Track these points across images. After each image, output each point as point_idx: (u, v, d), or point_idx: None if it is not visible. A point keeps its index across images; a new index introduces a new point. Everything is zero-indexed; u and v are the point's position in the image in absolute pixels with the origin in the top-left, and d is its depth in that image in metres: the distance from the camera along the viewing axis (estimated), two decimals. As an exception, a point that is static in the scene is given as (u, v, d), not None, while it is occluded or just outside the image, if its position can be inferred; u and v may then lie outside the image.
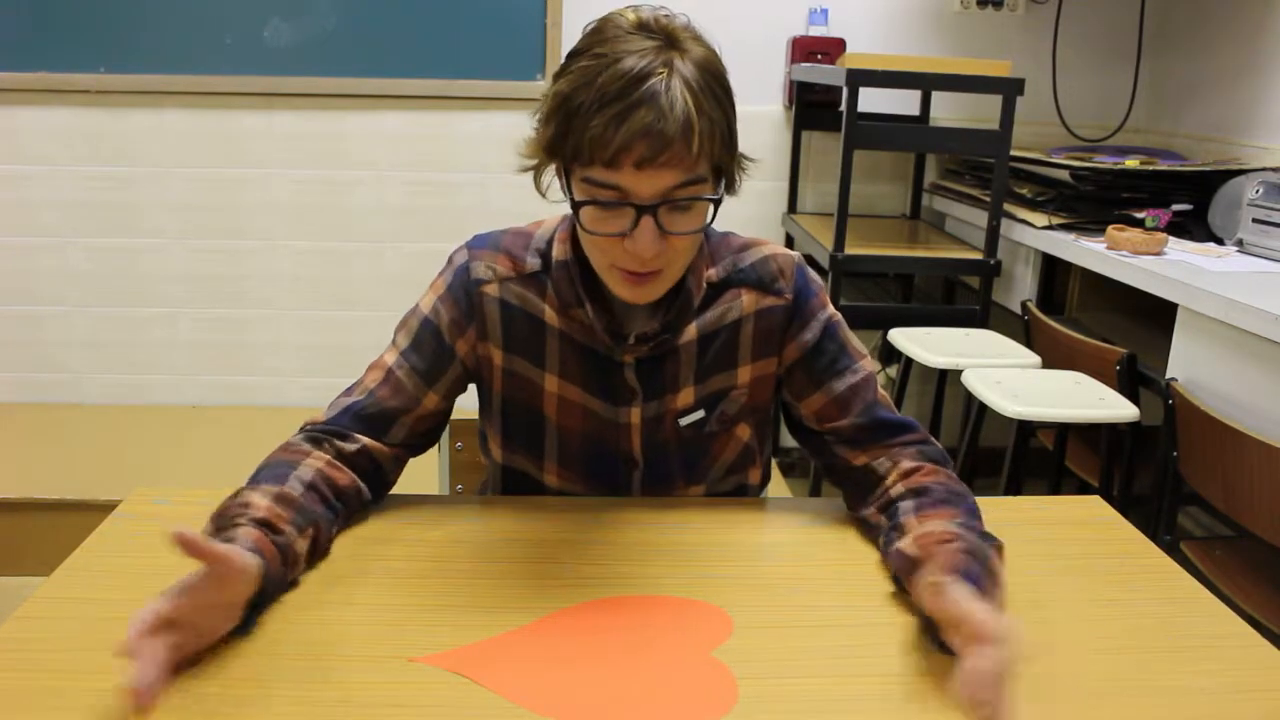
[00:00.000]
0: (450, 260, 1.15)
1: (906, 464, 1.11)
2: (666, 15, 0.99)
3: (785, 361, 1.16)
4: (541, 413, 1.16)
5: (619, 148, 0.93)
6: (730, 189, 1.06)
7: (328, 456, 1.08)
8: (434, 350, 1.13)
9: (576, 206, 0.99)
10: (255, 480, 1.02)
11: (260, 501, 0.96)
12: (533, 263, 1.13)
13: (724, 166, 1.01)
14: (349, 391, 1.13)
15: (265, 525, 0.93)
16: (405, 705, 0.80)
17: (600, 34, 0.98)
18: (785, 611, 0.95)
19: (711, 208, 1.01)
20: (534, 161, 1.03)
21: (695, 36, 0.99)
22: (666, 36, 0.97)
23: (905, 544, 0.98)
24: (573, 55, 1.00)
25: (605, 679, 0.84)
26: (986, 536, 0.98)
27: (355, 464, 1.09)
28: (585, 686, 0.83)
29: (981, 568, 0.90)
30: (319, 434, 1.10)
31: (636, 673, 0.85)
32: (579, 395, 1.14)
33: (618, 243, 0.99)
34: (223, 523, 0.93)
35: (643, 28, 0.97)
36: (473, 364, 1.15)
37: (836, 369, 1.14)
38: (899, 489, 1.08)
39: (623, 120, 0.92)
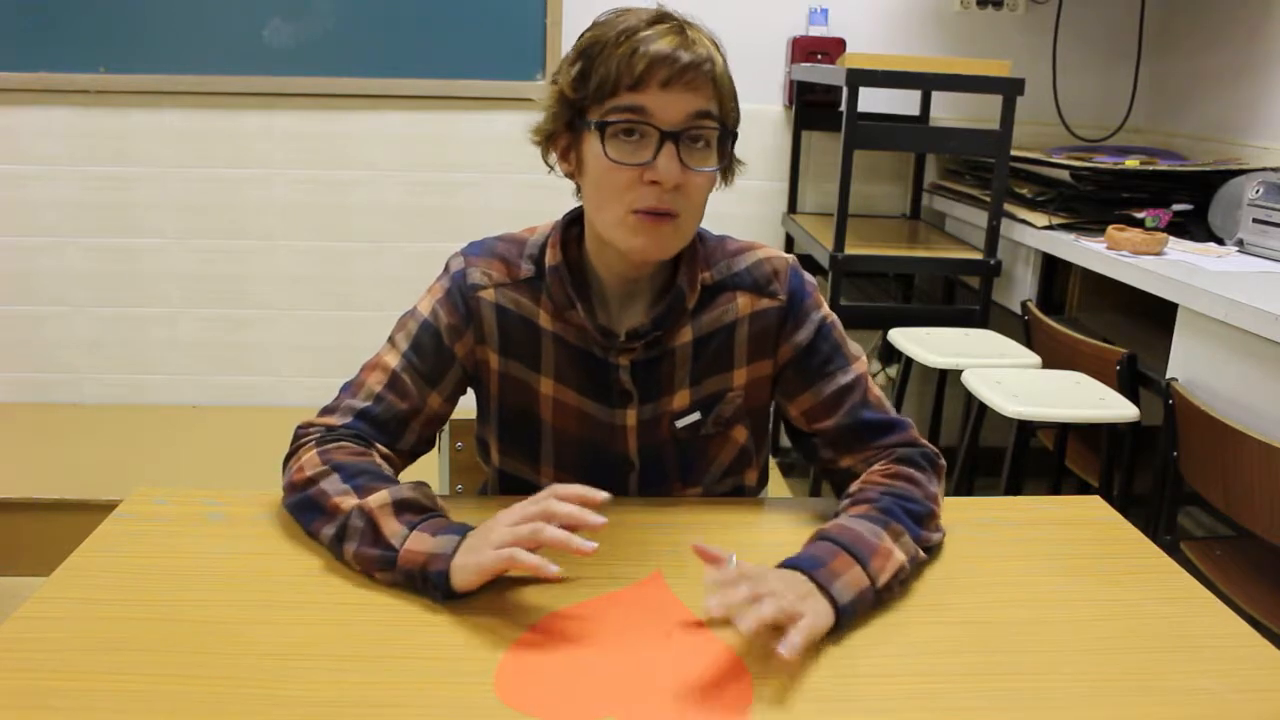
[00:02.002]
0: (447, 267, 1.16)
1: (878, 465, 1.13)
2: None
3: (780, 362, 1.16)
4: (538, 416, 1.16)
5: (646, 67, 0.99)
6: (727, 172, 1.10)
7: (377, 455, 1.10)
8: (434, 352, 1.13)
9: (602, 130, 1.02)
10: (369, 480, 1.02)
11: (428, 495, 1.02)
12: (527, 268, 1.13)
13: (730, 128, 1.06)
14: (351, 393, 1.13)
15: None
16: (404, 705, 0.80)
17: (607, 15, 1.05)
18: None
19: (724, 158, 1.06)
20: (549, 127, 1.07)
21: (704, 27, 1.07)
22: (689, 21, 1.05)
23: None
24: (583, 34, 1.06)
25: (618, 681, 0.84)
26: (878, 529, 1.00)
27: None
28: (596, 688, 0.83)
29: (826, 559, 0.95)
30: (347, 436, 1.09)
31: (650, 674, 0.85)
32: (574, 398, 1.14)
33: (635, 182, 1.02)
34: (435, 521, 0.99)
35: (659, 10, 1.04)
36: (471, 367, 1.16)
37: (828, 370, 1.15)
38: (854, 486, 1.11)
39: (650, 43, 0.99)
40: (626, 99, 1.00)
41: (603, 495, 0.95)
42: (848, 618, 0.92)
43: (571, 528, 0.92)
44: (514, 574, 1.00)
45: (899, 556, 0.98)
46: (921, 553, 1.03)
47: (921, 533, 1.04)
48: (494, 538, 0.93)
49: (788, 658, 0.83)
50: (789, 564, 0.95)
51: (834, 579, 0.93)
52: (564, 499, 0.94)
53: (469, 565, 0.92)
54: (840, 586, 0.92)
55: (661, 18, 1.03)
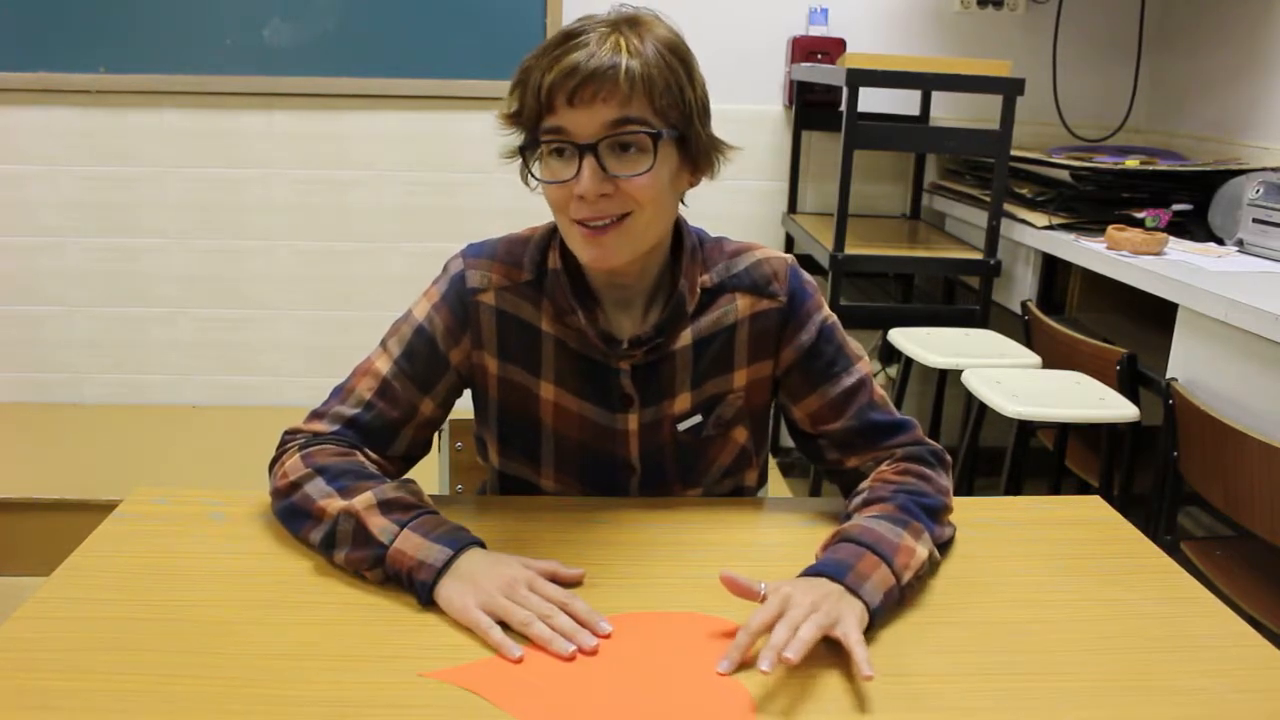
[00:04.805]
0: (445, 268, 1.15)
1: (887, 464, 1.13)
2: (640, 9, 1.05)
3: (782, 364, 1.16)
4: (538, 420, 1.15)
5: (550, 86, 0.99)
6: (702, 167, 1.08)
7: (369, 459, 1.10)
8: (428, 358, 1.12)
9: (525, 154, 1.04)
10: (353, 480, 1.03)
11: (414, 492, 1.04)
12: (528, 271, 1.13)
13: (676, 124, 1.03)
14: (340, 399, 1.12)
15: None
16: (404, 705, 0.80)
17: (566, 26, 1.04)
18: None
19: (661, 154, 1.02)
20: (513, 149, 1.07)
21: (659, 21, 1.04)
22: (628, 18, 1.03)
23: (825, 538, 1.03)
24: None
25: (618, 699, 0.83)
26: (898, 528, 0.99)
27: None
28: (597, 707, 0.83)
29: (852, 562, 0.95)
30: (332, 442, 1.09)
31: (651, 693, 0.84)
32: (575, 403, 1.14)
33: (569, 197, 1.02)
34: (425, 520, 1.00)
35: (607, 15, 1.03)
36: (467, 372, 1.15)
37: (833, 372, 1.15)
38: (864, 485, 1.11)
39: (555, 62, 0.99)
40: (546, 121, 1.01)
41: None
42: (879, 619, 0.92)
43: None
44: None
45: (921, 553, 0.99)
46: (937, 552, 1.04)
47: (937, 528, 1.05)
48: (485, 598, 0.92)
49: (868, 674, 0.82)
50: (815, 571, 0.95)
51: (863, 581, 0.93)
52: (543, 573, 0.97)
53: (453, 601, 0.92)
54: (870, 588, 0.93)
55: (588, 28, 1.01)
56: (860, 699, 0.83)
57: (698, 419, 1.15)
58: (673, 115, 1.02)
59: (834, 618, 0.87)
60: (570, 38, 1.00)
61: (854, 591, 0.92)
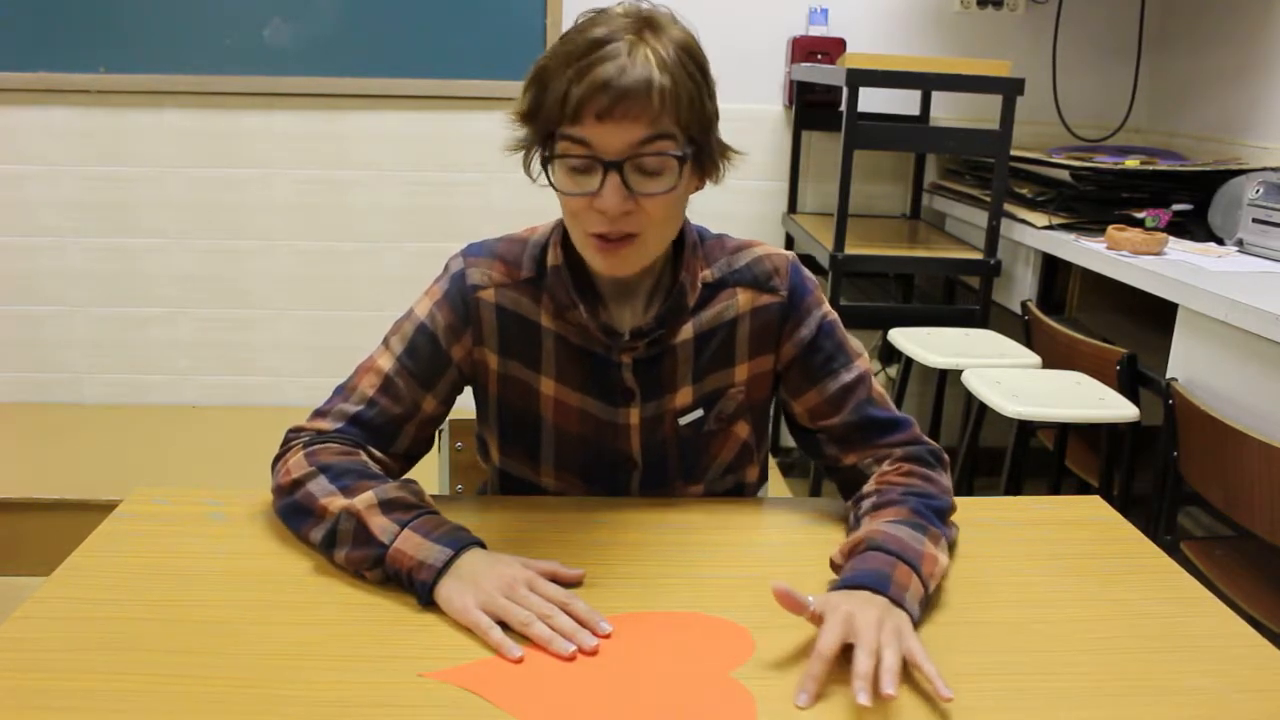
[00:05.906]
0: (446, 268, 1.16)
1: (888, 464, 1.13)
2: (654, 6, 1.03)
3: (783, 359, 1.16)
4: (539, 416, 1.16)
5: (580, 100, 0.97)
6: (709, 172, 1.08)
7: (365, 455, 1.10)
8: (430, 355, 1.13)
9: (546, 163, 1.03)
10: (355, 479, 1.03)
11: (415, 492, 1.03)
12: (528, 269, 1.13)
13: (696, 137, 1.03)
14: (343, 397, 1.12)
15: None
16: (404, 705, 0.80)
17: (584, 18, 1.03)
18: (786, 612, 0.95)
19: (684, 174, 1.02)
20: (522, 140, 1.06)
21: (675, 22, 1.03)
22: (645, 19, 1.01)
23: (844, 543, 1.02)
24: (540, 57, 1.04)
25: (618, 700, 0.83)
26: (919, 534, 0.99)
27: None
28: (598, 707, 0.82)
29: (889, 572, 0.93)
30: (337, 440, 1.09)
31: (651, 693, 0.84)
32: (576, 398, 1.14)
33: (587, 208, 1.01)
34: (420, 520, 0.99)
35: (625, 15, 1.02)
36: (469, 369, 1.16)
37: (831, 367, 1.15)
38: (870, 487, 1.11)
39: (584, 74, 0.97)
40: (568, 131, 0.99)
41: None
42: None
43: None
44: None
45: (942, 561, 1.00)
46: (947, 558, 1.04)
47: (948, 531, 1.06)
48: (485, 598, 0.92)
49: (949, 695, 0.81)
50: (854, 583, 0.93)
51: (904, 593, 0.92)
52: (543, 573, 0.96)
53: (453, 601, 0.92)
54: (910, 599, 0.92)
55: (615, 35, 0.98)
56: (861, 699, 0.83)
57: (699, 413, 1.16)
58: (694, 128, 1.02)
59: (901, 636, 0.87)
60: (597, 46, 0.98)
61: (899, 604, 0.91)
